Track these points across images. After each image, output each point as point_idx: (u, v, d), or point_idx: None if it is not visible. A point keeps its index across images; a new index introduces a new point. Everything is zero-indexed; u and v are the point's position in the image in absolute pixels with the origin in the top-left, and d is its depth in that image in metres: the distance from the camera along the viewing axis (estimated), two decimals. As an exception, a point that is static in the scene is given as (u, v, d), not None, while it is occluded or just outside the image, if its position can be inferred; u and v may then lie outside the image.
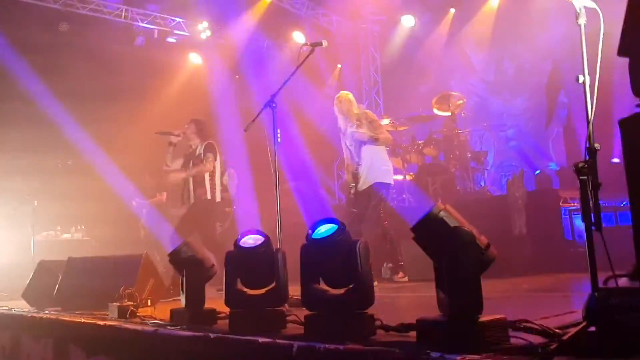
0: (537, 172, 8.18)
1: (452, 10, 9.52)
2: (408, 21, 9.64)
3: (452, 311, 1.77)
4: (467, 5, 9.18)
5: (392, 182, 5.77)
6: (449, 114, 7.84)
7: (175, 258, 3.13)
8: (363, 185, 5.52)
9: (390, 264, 5.73)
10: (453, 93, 8.15)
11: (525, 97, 8.98)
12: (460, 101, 7.92)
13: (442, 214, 1.89)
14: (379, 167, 5.54)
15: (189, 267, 3.03)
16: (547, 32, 7.81)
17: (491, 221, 5.97)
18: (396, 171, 7.08)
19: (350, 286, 2.20)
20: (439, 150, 7.79)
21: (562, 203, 6.43)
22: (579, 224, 6.47)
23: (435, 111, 8.01)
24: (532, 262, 5.62)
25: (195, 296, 2.96)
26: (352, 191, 5.58)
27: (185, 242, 3.21)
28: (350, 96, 5.76)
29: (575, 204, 6.69)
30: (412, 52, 9.56)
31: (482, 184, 7.74)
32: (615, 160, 6.13)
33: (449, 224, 1.86)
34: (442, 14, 9.55)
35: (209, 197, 6.00)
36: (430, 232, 1.90)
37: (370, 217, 5.50)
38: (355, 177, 5.55)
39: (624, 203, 5.67)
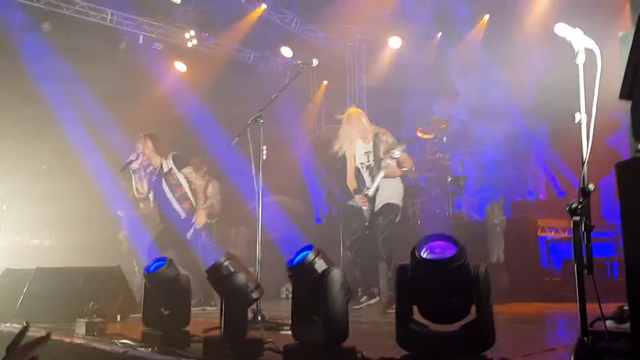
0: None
1: (439, 34, 9.60)
2: (395, 43, 9.68)
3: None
4: (453, 30, 9.26)
5: (401, 204, 5.39)
6: (431, 137, 7.88)
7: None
8: (377, 206, 5.18)
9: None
10: (436, 118, 8.20)
11: (507, 124, 9.06)
12: (443, 125, 7.96)
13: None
14: (388, 188, 5.23)
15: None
16: (532, 60, 7.91)
17: (469, 247, 5.95)
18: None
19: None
20: (419, 173, 7.80)
21: (540, 232, 6.49)
22: (556, 252, 6.52)
23: (418, 134, 8.05)
24: (509, 289, 5.61)
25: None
26: (366, 214, 5.15)
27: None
28: (361, 112, 5.41)
29: (553, 233, 6.75)
30: (397, 73, 9.59)
31: (461, 208, 7.76)
32: None
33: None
34: (429, 37, 9.62)
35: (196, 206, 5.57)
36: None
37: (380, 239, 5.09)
38: (366, 199, 5.18)
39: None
